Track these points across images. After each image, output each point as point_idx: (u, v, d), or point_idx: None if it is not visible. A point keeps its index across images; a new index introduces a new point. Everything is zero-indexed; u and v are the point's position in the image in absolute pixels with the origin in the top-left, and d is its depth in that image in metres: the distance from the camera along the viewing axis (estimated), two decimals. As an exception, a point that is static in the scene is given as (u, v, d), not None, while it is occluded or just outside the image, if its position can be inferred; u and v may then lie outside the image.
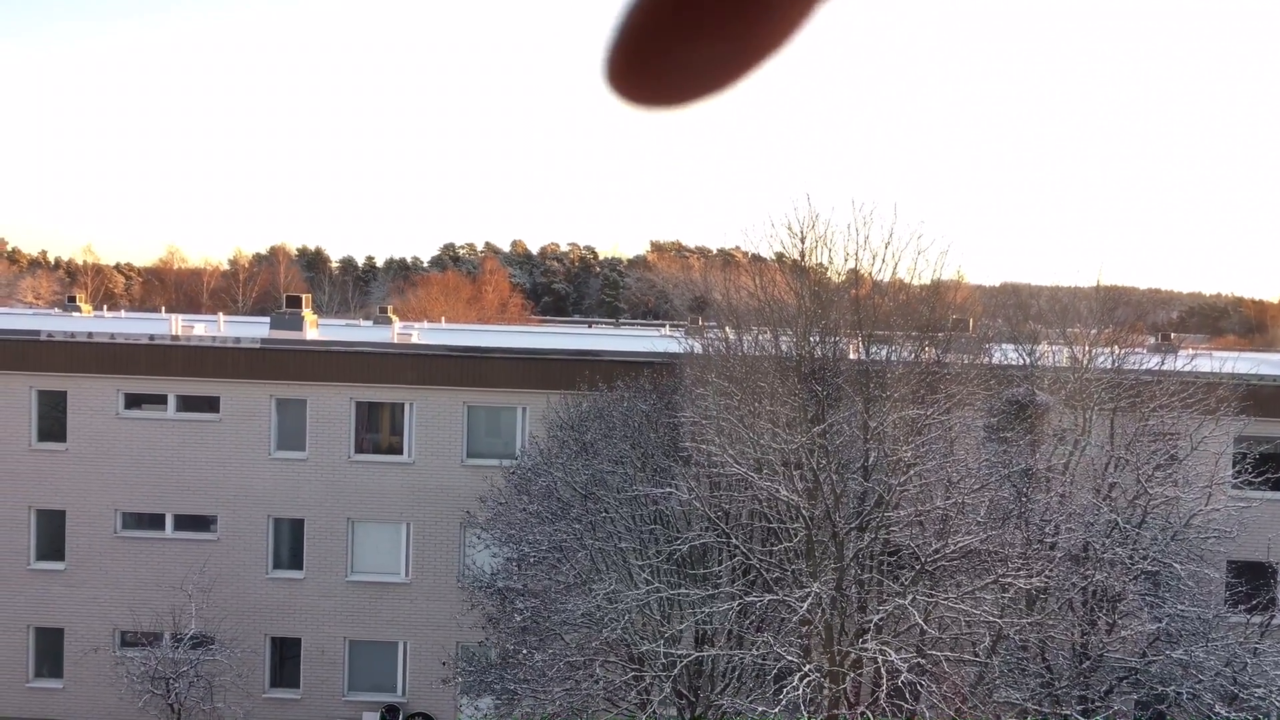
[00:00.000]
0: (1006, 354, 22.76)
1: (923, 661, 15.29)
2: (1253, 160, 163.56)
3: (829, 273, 18.89)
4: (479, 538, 25.05)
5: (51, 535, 27.42)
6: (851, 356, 18.68)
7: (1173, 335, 42.34)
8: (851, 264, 18.65)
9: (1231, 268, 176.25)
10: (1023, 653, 18.27)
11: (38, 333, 27.81)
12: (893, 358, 17.75)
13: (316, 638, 27.26)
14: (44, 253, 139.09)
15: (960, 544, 15.83)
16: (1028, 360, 22.03)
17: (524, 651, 19.63)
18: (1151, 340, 37.67)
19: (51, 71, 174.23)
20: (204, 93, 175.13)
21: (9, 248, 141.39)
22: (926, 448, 16.49)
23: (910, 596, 15.47)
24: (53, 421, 27.28)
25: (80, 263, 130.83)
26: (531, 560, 20.33)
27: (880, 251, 17.96)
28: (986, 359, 21.42)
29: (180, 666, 24.59)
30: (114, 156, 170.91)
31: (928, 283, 19.66)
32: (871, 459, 16.62)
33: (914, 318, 19.53)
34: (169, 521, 27.34)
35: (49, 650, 27.51)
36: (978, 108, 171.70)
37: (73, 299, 51.62)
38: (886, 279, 18.19)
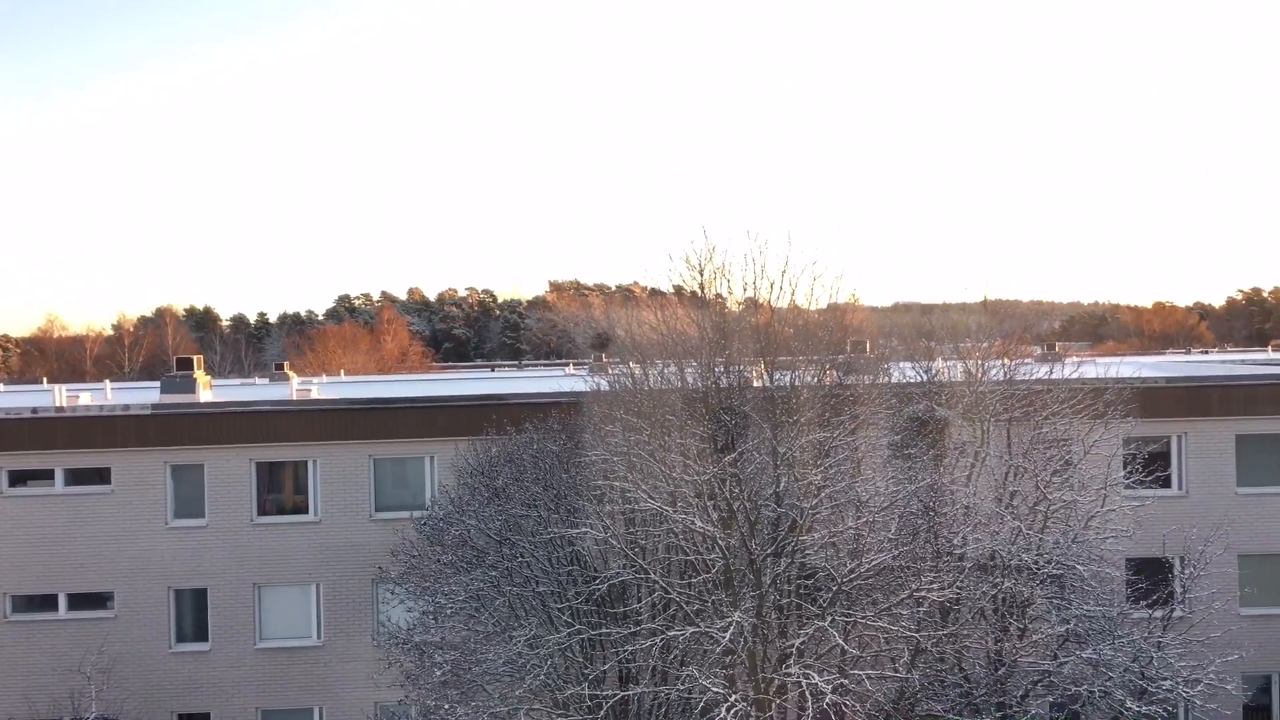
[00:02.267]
0: (905, 373, 23.32)
1: (845, 682, 15.42)
2: (1124, 170, 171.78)
3: (729, 302, 19.14)
4: (393, 593, 24.51)
5: (-66, 625, 25.93)
6: (756, 384, 18.90)
7: (1058, 344, 43.97)
8: (750, 293, 18.92)
9: (1106, 276, 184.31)
10: (940, 664, 18.58)
11: (-90, 412, 26.44)
12: (796, 383, 18.00)
13: (227, 710, 26.25)
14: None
15: (874, 562, 16.07)
16: (925, 377, 22.60)
17: (445, 707, 19.22)
18: (1038, 350, 39.07)
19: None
20: (80, 147, 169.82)
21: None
22: (835, 469, 16.75)
23: (829, 618, 15.63)
24: (-70, 505, 25.89)
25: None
26: (449, 612, 19.96)
27: (778, 279, 18.27)
28: (887, 378, 21.91)
29: (82, 753, 23.43)
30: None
31: (825, 307, 20.06)
32: (782, 484, 16.79)
33: (814, 342, 19.89)
34: (62, 601, 26.13)
35: (-64, 749, 25.94)
36: (862, 132, 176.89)
37: (-54, 374, 49.16)
38: (785, 305, 18.50)
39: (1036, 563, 18.94)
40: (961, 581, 17.88)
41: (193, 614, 26.50)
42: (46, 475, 26.20)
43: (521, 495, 20.33)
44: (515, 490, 20.62)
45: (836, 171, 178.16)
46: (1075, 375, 22.98)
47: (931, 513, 18.35)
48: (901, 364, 24.26)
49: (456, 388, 34.55)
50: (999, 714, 18.56)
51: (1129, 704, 18.42)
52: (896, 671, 17.51)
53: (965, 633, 18.44)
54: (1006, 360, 22.13)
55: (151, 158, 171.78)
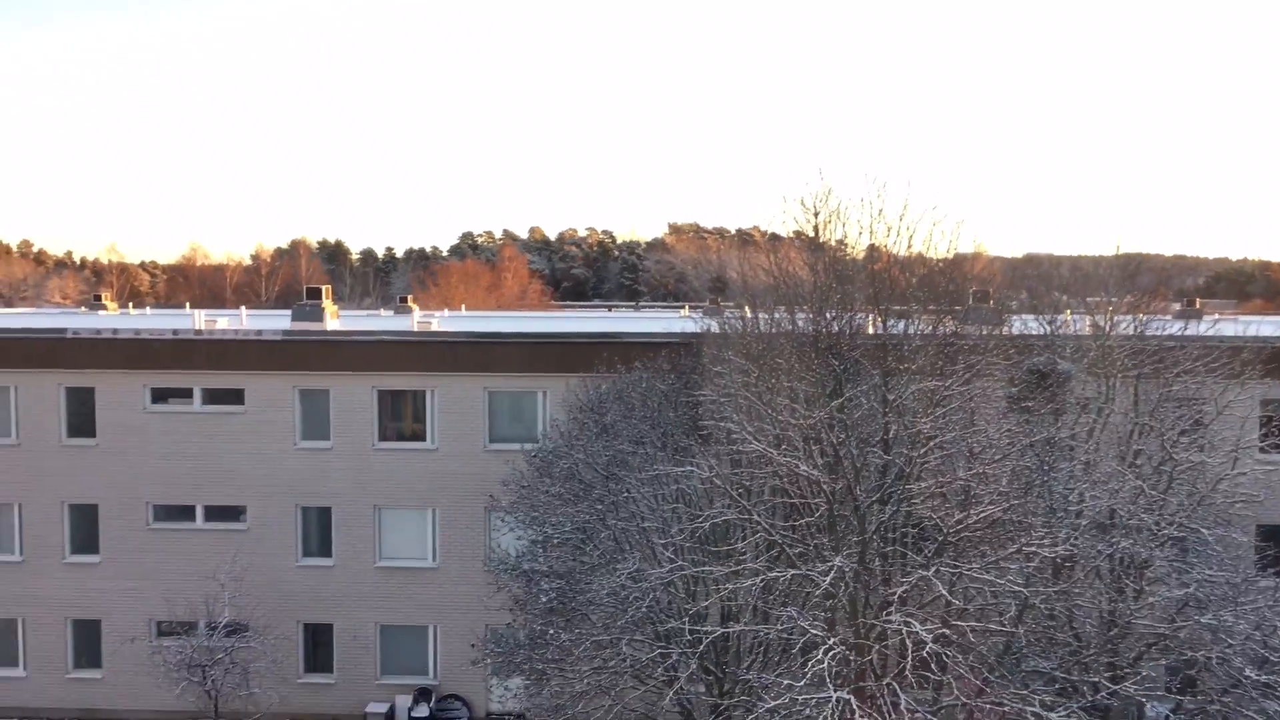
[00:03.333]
0: (1027, 324, 22.63)
1: (948, 633, 15.28)
2: None
3: (844, 247, 18.83)
4: (503, 521, 25.24)
5: (85, 529, 27.84)
6: (869, 330, 18.63)
7: (1198, 301, 41.95)
8: (867, 238, 18.57)
9: (1258, 233, 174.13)
10: (1050, 622, 18.21)
11: (64, 331, 28.17)
12: (911, 330, 17.66)
13: (348, 623, 27.58)
14: (69, 253, 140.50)
15: (983, 514, 15.78)
16: (1049, 329, 21.89)
17: (551, 632, 19.79)
18: (1176, 306, 37.33)
19: (70, 73, 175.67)
20: (225, 90, 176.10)
21: (35, 249, 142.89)
22: (946, 419, 16.44)
23: (934, 568, 15.45)
24: (82, 418, 27.65)
25: (105, 262, 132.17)
26: (556, 542, 20.48)
27: (895, 224, 17.86)
28: (1007, 329, 21.31)
29: (216, 654, 24.97)
30: (136, 156, 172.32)
31: (946, 255, 19.56)
32: (891, 432, 16.58)
33: (932, 289, 19.44)
34: (199, 513, 27.70)
35: (87, 641, 27.97)
36: (999, 77, 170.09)
37: (98, 297, 52.13)
38: (902, 252, 18.09)
39: (1158, 524, 18.32)
40: (1076, 539, 17.42)
41: (318, 531, 27.80)
42: (186, 394, 27.67)
43: (629, 432, 20.59)
44: (623, 427, 20.90)
45: (973, 117, 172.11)
46: (1212, 333, 21.95)
47: (1047, 467, 17.88)
48: (1024, 316, 23.55)
49: (571, 325, 34.99)
50: (1109, 674, 18.14)
51: (1248, 672, 17.76)
52: (1002, 626, 17.25)
53: (1078, 591, 18.01)
54: (1139, 314, 21.26)
55: (290, 95, 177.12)
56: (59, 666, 27.89)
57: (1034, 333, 21.97)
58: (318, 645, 27.88)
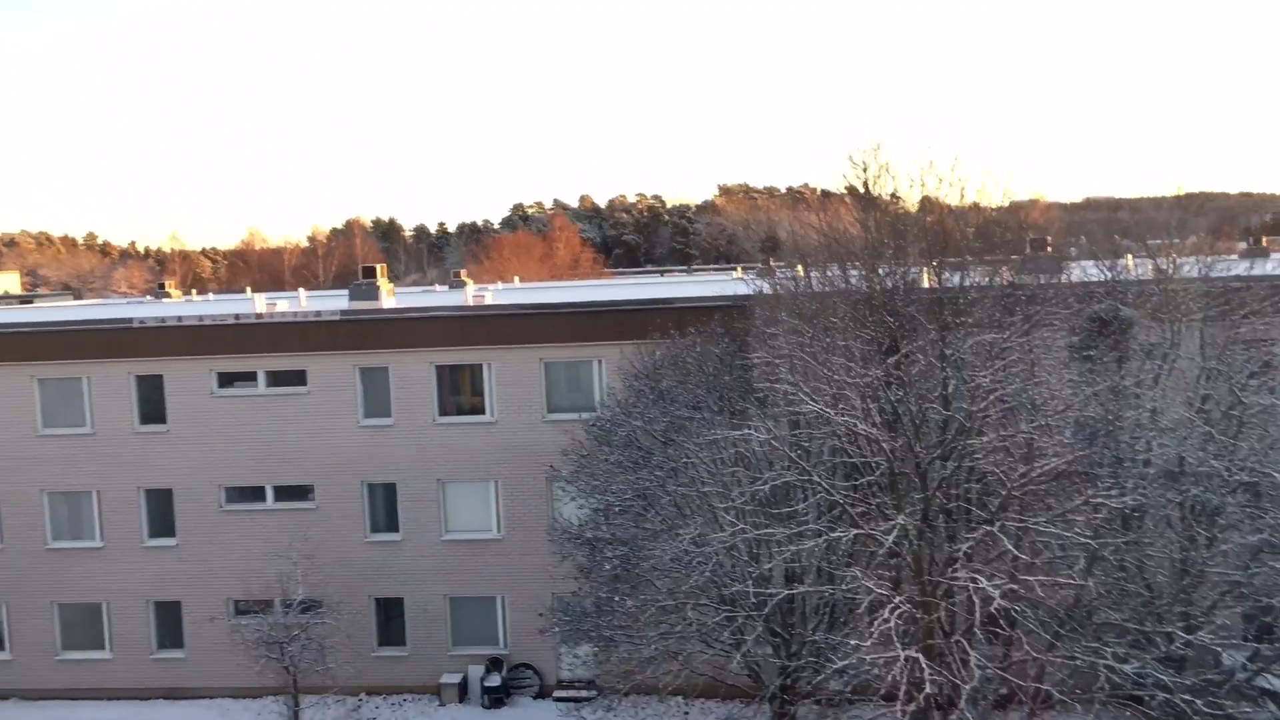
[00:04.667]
0: (1087, 271, 22.15)
1: (1016, 587, 15.14)
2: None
3: (895, 200, 18.56)
4: (564, 490, 25.43)
5: (161, 513, 28.59)
6: (924, 284, 18.37)
7: (1265, 239, 40.71)
8: (919, 190, 18.29)
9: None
10: (1120, 573, 17.94)
11: (131, 320, 28.81)
12: (966, 282, 17.39)
13: (418, 596, 28.07)
14: (133, 243, 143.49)
15: (1047, 467, 15.57)
16: (1110, 275, 21.40)
17: (616, 599, 19.95)
18: (1242, 245, 36.24)
19: (128, 67, 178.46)
20: (274, 76, 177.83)
21: (100, 241, 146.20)
22: (1006, 372, 16.19)
23: (999, 523, 15.30)
24: (152, 405, 28.33)
25: (168, 250, 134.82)
26: (617, 509, 20.59)
27: (948, 175, 17.57)
28: (1067, 277, 20.88)
29: (292, 631, 25.54)
30: (194, 146, 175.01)
31: (1002, 203, 19.20)
32: (950, 387, 16.39)
33: (988, 240, 19.11)
34: (269, 493, 28.30)
35: (169, 622, 28.82)
36: (1052, 15, 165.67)
37: (163, 286, 53.28)
38: (955, 202, 17.80)
39: (1229, 470, 17.90)
40: (1145, 488, 17.11)
41: (384, 506, 28.26)
42: (250, 377, 28.21)
43: (686, 397, 20.58)
44: (679, 392, 20.89)
45: (1025, 59, 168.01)
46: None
47: (1112, 416, 17.54)
48: (1084, 262, 23.04)
49: (623, 292, 34.97)
50: (1183, 624, 17.85)
51: (1328, 618, 17.38)
52: (1071, 579, 17.03)
53: (1148, 541, 17.70)
54: (1202, 256, 20.68)
55: (337, 76, 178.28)
56: (143, 647, 28.79)
57: (1095, 279, 21.49)
58: (390, 619, 28.45)
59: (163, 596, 28.63)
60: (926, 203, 19.03)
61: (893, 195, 18.91)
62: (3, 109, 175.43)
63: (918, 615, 15.23)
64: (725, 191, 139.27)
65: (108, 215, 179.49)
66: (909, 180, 17.96)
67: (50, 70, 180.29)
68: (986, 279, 18.09)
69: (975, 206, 19.22)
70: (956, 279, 17.80)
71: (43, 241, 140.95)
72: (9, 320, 32.11)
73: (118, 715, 27.50)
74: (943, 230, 18.56)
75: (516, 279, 61.94)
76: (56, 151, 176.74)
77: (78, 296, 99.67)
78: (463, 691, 27.47)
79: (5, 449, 28.42)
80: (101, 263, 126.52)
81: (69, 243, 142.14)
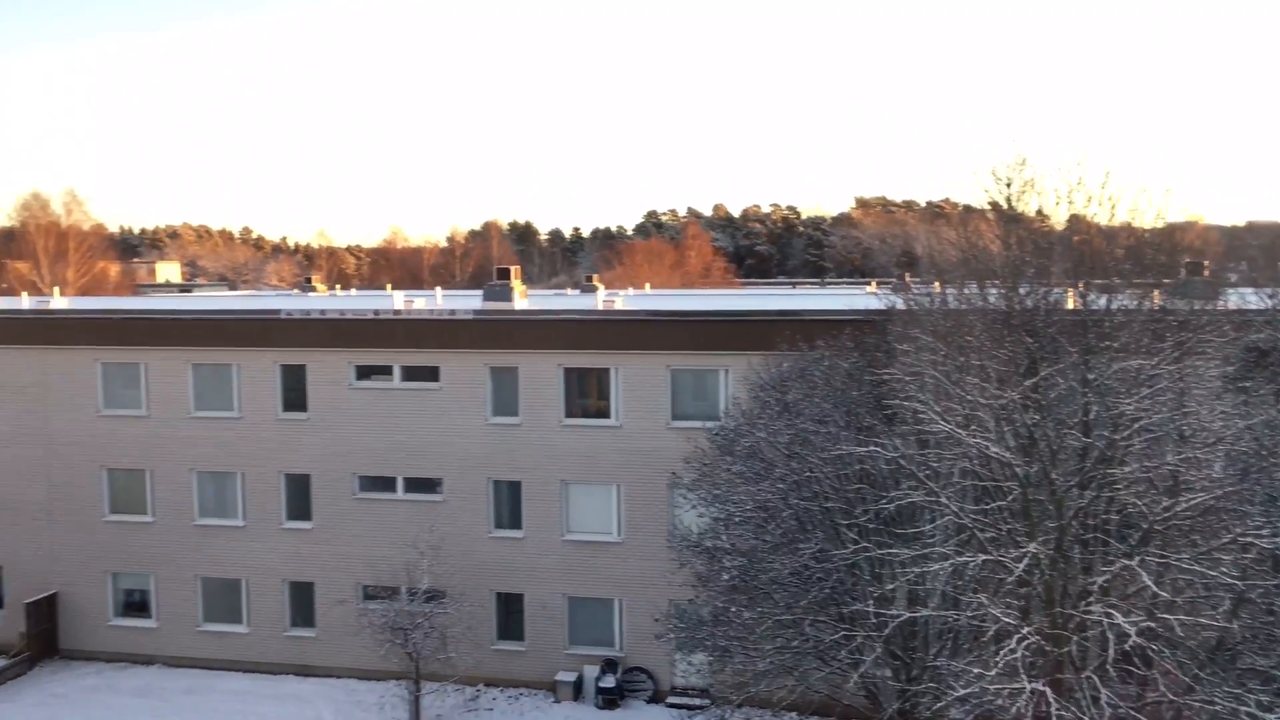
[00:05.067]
0: (1246, 298, 20.99)
1: (1154, 626, 14.45)
2: None
3: (1040, 218, 17.94)
4: (685, 498, 25.44)
5: (299, 497, 29.79)
6: (1067, 305, 17.71)
7: None
8: (1066, 207, 17.63)
9: None
10: (1269, 617, 16.92)
11: (278, 312, 30.12)
12: (1114, 305, 16.67)
13: (538, 594, 28.51)
14: (284, 239, 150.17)
15: (1193, 501, 14.81)
16: (1271, 303, 20.24)
17: (733, 609, 19.85)
18: None
19: (280, 73, 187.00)
20: (419, 83, 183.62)
21: (254, 236, 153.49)
22: (1153, 400, 15.46)
23: (1138, 557, 14.62)
24: (295, 393, 29.55)
25: (315, 246, 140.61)
26: (737, 519, 20.49)
27: (1097, 193, 16.88)
28: (1223, 303, 19.81)
29: (416, 618, 26.28)
30: (342, 148, 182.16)
31: (1156, 224, 18.35)
32: (1091, 413, 15.75)
33: (1141, 262, 18.29)
34: (400, 484, 29.17)
35: (302, 602, 29.99)
36: (1210, 27, 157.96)
37: (309, 280, 55.58)
38: (1104, 221, 17.09)
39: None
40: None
41: (509, 504, 28.80)
42: (386, 371, 29.16)
43: (812, 411, 20.35)
44: (806, 405, 20.67)
45: (1184, 73, 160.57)
46: None
47: (1266, 452, 16.56)
48: (1244, 289, 21.84)
49: (753, 303, 34.82)
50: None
51: None
52: (1215, 620, 16.16)
53: (1302, 585, 16.64)
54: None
55: (479, 84, 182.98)
56: (278, 624, 30.04)
57: (1254, 307, 20.35)
58: (509, 614, 28.97)
59: (297, 577, 29.81)
60: (1074, 221, 18.35)
61: (1038, 212, 18.30)
62: (171, 107, 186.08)
63: (1047, 647, 14.67)
64: (862, 204, 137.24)
65: (262, 211, 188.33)
66: (1055, 197, 17.33)
67: (214, 71, 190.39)
68: (1135, 302, 17.31)
69: (1127, 226, 18.43)
70: (1103, 301, 17.08)
71: (202, 234, 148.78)
72: (169, 308, 33.99)
73: (253, 687, 28.75)
74: (1090, 250, 17.84)
75: (647, 285, 62.36)
76: (219, 149, 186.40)
77: (232, 287, 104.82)
78: (577, 690, 27.75)
79: (160, 428, 30.07)
80: (255, 256, 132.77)
81: (226, 236, 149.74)
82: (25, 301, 36.58)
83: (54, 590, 30.87)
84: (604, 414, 28.04)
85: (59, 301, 37.02)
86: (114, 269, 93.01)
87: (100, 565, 30.71)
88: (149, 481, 30.32)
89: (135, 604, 30.93)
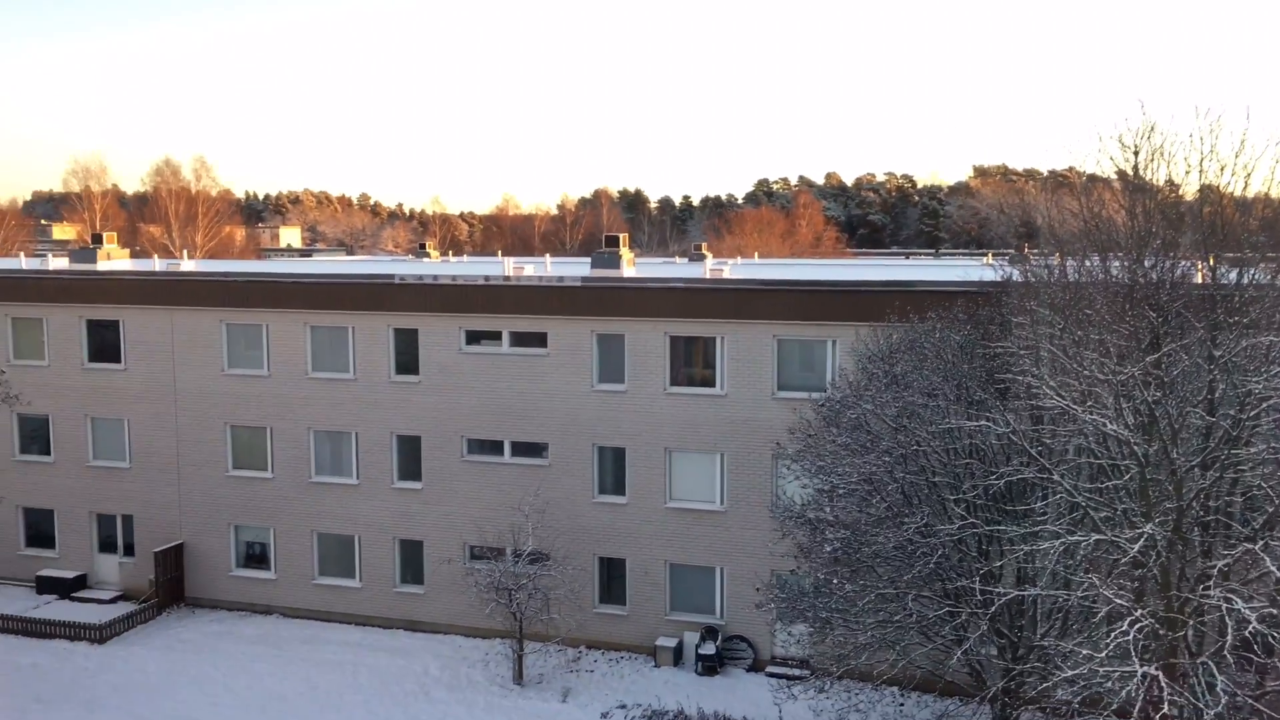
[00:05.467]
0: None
1: (1276, 612, 13.85)
2: None
3: (1169, 187, 17.17)
4: (789, 469, 25.30)
5: (409, 458, 30.61)
6: (1195, 280, 16.96)
7: None
8: (1197, 177, 16.83)
9: None
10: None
11: (393, 277, 30.86)
12: (1245, 279, 15.90)
13: (640, 559, 28.77)
14: (400, 205, 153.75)
15: (1325, 486, 14.10)
16: None
17: (835, 581, 19.73)
18: None
19: (398, 46, 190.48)
20: (531, 51, 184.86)
21: (371, 202, 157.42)
22: (1285, 378, 14.74)
23: (1262, 542, 14.02)
24: (407, 356, 30.30)
25: (430, 213, 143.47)
26: (842, 492, 20.30)
27: (1231, 162, 16.07)
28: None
29: (520, 579, 26.83)
30: (457, 116, 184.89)
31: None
32: (1217, 391, 15.11)
33: (1276, 235, 17.38)
34: (506, 448, 29.71)
35: (411, 560, 30.89)
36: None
37: (423, 246, 56.66)
38: (1237, 192, 16.26)
39: None
40: None
41: (613, 470, 29.08)
42: (495, 336, 29.64)
43: (921, 383, 19.97)
44: (914, 378, 20.29)
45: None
46: None
47: None
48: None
49: (864, 273, 34.25)
50: None
51: None
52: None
53: None
54: None
55: (592, 52, 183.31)
56: (388, 580, 31.03)
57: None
58: (611, 578, 29.32)
59: (407, 535, 30.70)
60: (1205, 191, 17.51)
61: (1167, 181, 17.51)
62: (295, 77, 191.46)
63: (1161, 631, 14.21)
64: (981, 173, 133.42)
65: (380, 178, 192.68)
66: (1186, 165, 16.56)
67: (335, 42, 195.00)
68: (1269, 276, 16.47)
69: (1263, 197, 17.52)
70: (1233, 275, 16.30)
71: (322, 200, 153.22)
72: (289, 271, 35.14)
73: (364, 639, 29.81)
74: (1222, 221, 17.02)
75: (756, 255, 61.87)
76: (340, 117, 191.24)
77: (349, 252, 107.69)
78: (677, 656, 27.98)
79: (280, 388, 31.21)
80: (371, 222, 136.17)
81: (344, 202, 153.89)
82: (157, 264, 38.28)
83: (180, 541, 32.45)
84: (709, 383, 28.01)
85: (188, 264, 38.64)
86: (239, 233, 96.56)
87: (223, 518, 32.15)
88: (269, 439, 31.54)
89: (255, 556, 32.31)
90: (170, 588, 32.07)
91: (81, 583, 33.12)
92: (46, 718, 24.80)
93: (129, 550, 33.11)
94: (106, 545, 33.38)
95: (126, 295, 32.51)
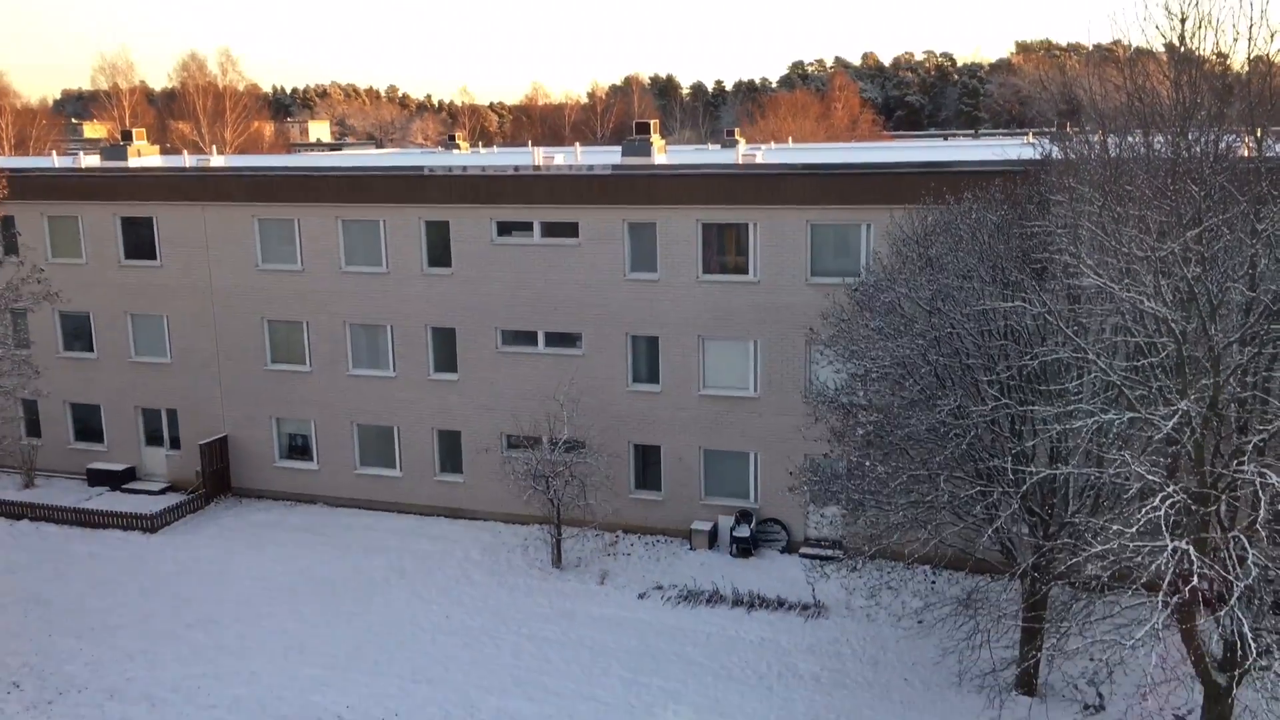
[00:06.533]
0: None
1: (1311, 488, 13.79)
2: None
3: (1217, 58, 16.53)
4: (822, 354, 25.28)
5: (445, 350, 30.89)
6: (1241, 153, 16.46)
7: None
8: (1244, 45, 16.17)
9: None
10: None
11: (422, 169, 30.67)
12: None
13: (674, 446, 29.10)
14: (429, 96, 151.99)
15: (1367, 360, 13.87)
16: None
17: (868, 464, 19.88)
18: None
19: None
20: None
21: (400, 94, 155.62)
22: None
23: (1300, 417, 13.89)
24: (439, 249, 30.31)
25: (459, 104, 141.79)
26: (874, 376, 20.29)
27: (1282, 26, 15.38)
28: None
29: (557, 467, 27.28)
30: (483, 3, 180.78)
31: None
32: (1259, 266, 14.79)
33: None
34: (540, 338, 29.87)
35: (450, 450, 31.45)
36: None
37: (452, 138, 56.14)
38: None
39: None
40: None
41: (646, 359, 29.20)
42: (526, 227, 29.52)
43: (956, 265, 19.73)
44: (949, 260, 20.05)
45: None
46: None
47: None
48: None
49: (899, 156, 33.57)
50: None
51: None
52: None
53: None
54: None
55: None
56: (428, 470, 31.66)
57: None
58: (647, 465, 29.72)
59: (445, 426, 31.20)
60: (1255, 61, 16.84)
61: (1214, 51, 16.85)
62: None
63: (1192, 507, 14.24)
64: (1023, 49, 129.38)
65: (408, 70, 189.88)
66: (1235, 33, 15.89)
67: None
68: (1318, 147, 15.96)
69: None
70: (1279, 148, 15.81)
71: (350, 93, 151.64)
72: (319, 165, 35.03)
73: (406, 526, 30.60)
74: (1271, 91, 16.41)
75: (790, 140, 60.76)
76: (363, 5, 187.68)
77: (379, 145, 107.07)
78: (712, 539, 28.51)
79: (315, 282, 31.42)
80: (400, 114, 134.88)
81: (373, 95, 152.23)
82: (187, 160, 38.28)
83: (224, 434, 33.19)
84: (742, 270, 27.84)
85: (217, 160, 38.59)
86: (268, 129, 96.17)
87: (265, 411, 32.77)
88: (306, 333, 31.90)
89: (298, 448, 33.03)
90: (216, 479, 32.95)
91: (131, 475, 34.10)
92: (104, 603, 25.84)
93: (175, 443, 33.95)
94: (153, 439, 34.25)
95: (159, 192, 32.63)
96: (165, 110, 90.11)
